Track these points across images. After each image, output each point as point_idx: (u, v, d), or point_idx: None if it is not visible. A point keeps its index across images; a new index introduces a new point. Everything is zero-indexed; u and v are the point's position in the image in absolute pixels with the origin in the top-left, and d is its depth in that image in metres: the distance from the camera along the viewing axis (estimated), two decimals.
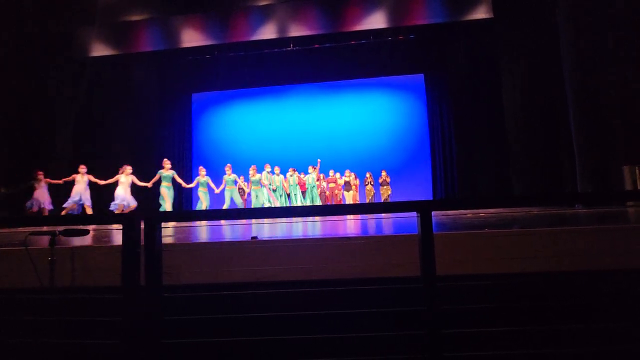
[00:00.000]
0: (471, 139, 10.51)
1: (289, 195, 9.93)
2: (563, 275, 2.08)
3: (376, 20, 9.73)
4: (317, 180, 10.23)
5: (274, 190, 9.68)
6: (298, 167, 10.46)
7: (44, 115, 9.56)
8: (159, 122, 12.55)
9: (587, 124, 6.28)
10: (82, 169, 8.63)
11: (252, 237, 2.41)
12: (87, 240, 2.77)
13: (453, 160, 11.13)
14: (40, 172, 8.59)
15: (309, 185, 10.03)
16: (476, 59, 10.42)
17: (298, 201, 9.88)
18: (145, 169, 11.17)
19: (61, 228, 2.08)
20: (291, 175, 10.00)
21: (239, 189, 9.66)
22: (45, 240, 2.11)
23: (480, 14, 9.26)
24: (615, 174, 5.93)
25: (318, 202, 9.98)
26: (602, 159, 6.07)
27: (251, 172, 9.63)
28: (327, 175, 10.65)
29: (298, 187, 9.99)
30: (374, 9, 9.62)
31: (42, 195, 8.42)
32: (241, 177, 9.88)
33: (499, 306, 1.87)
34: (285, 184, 9.88)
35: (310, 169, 10.16)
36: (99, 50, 10.20)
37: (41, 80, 9.51)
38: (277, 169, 9.96)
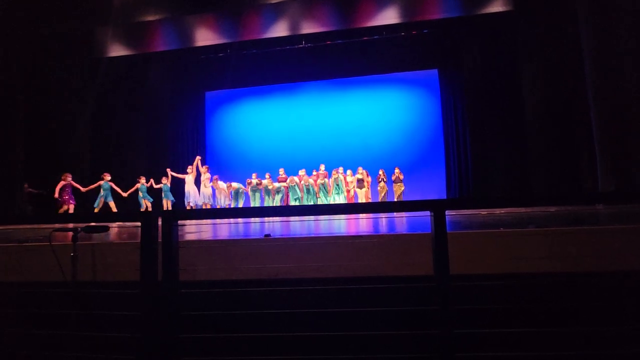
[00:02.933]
0: (486, 135, 10.31)
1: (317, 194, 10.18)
2: (580, 275, 2.04)
3: (389, 15, 9.61)
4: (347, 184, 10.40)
5: (307, 191, 10.04)
6: (311, 164, 10.51)
7: (59, 115, 9.85)
8: (172, 120, 12.76)
9: (609, 122, 6.08)
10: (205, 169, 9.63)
11: (266, 235, 2.44)
12: (107, 236, 2.85)
13: (467, 157, 10.95)
14: (206, 167, 9.67)
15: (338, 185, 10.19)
16: (492, 53, 10.19)
17: (325, 201, 10.09)
18: (159, 167, 11.41)
19: (83, 225, 2.15)
20: (324, 179, 10.19)
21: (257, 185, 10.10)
22: (68, 236, 2.19)
23: (497, 7, 9.03)
24: (637, 172, 5.75)
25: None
26: (625, 157, 5.88)
27: (281, 171, 10.17)
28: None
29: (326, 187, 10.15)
30: (386, 4, 9.50)
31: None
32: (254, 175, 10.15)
33: (513, 307, 1.85)
34: (316, 185, 10.09)
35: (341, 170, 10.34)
36: (114, 50, 10.42)
37: (56, 80, 9.78)
38: (314, 171, 10.29)
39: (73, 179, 8.78)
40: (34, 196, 8.98)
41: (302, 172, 10.20)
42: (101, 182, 8.97)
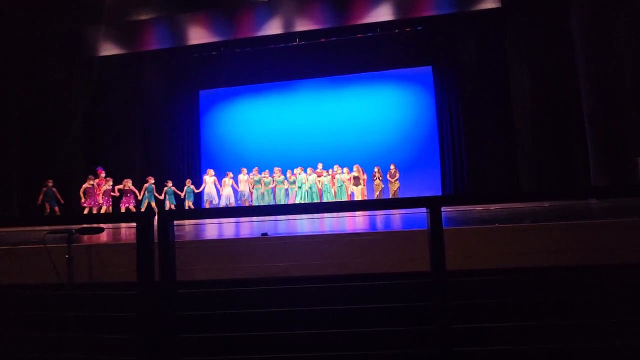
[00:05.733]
0: (481, 132, 10.36)
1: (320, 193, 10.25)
2: (574, 269, 2.06)
3: (383, 12, 9.61)
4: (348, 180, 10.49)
5: (308, 190, 10.14)
6: (305, 162, 10.51)
7: (52, 116, 9.75)
8: (166, 120, 12.66)
9: (602, 116, 6.15)
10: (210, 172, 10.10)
11: (263, 234, 2.44)
12: (102, 237, 2.83)
13: (462, 153, 11.01)
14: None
15: (339, 183, 10.20)
16: (485, 49, 10.24)
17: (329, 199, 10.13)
18: (155, 167, 11.33)
19: (77, 226, 2.13)
20: (325, 176, 10.17)
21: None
22: (62, 238, 2.17)
23: (489, 3, 9.07)
24: (630, 165, 5.82)
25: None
26: (617, 151, 5.96)
27: (277, 173, 10.29)
28: (333, 170, 10.73)
29: (329, 185, 10.16)
30: (380, 1, 9.50)
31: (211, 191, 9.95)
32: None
33: (509, 301, 1.87)
34: (318, 183, 10.11)
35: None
36: (107, 49, 10.31)
37: (49, 80, 9.67)
38: (310, 170, 10.34)
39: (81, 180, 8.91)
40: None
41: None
42: (146, 185, 9.48)
